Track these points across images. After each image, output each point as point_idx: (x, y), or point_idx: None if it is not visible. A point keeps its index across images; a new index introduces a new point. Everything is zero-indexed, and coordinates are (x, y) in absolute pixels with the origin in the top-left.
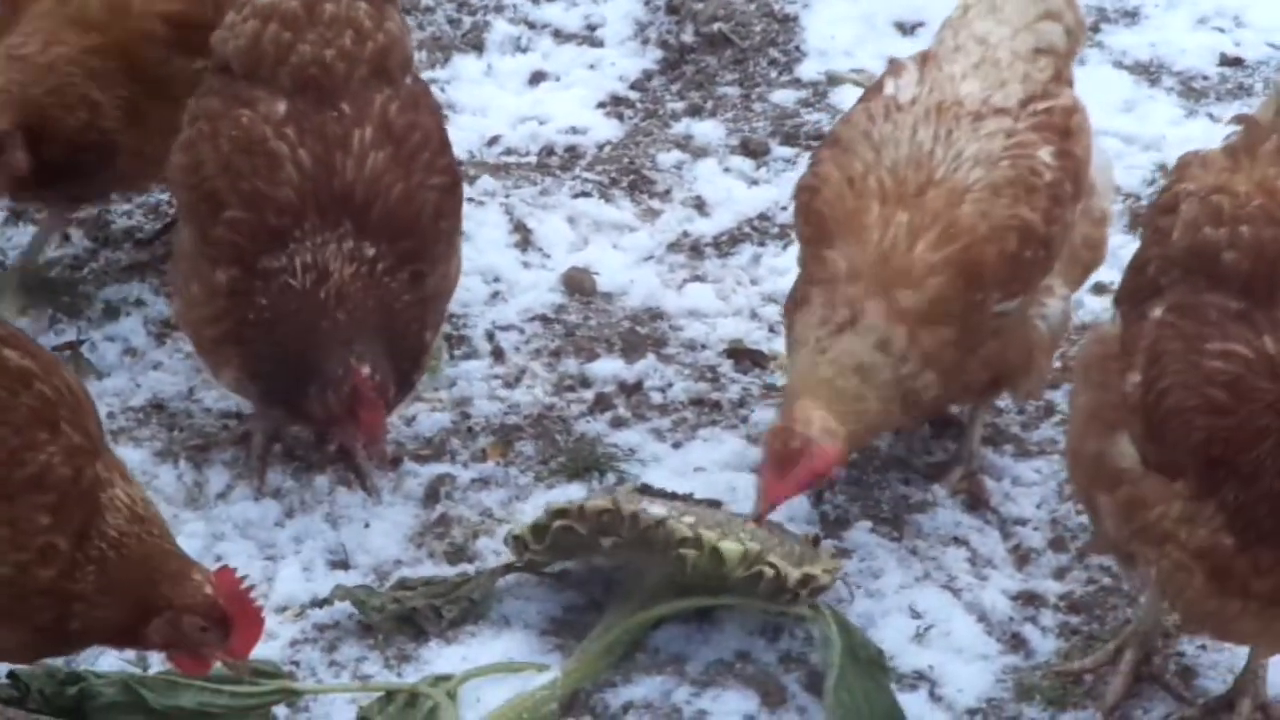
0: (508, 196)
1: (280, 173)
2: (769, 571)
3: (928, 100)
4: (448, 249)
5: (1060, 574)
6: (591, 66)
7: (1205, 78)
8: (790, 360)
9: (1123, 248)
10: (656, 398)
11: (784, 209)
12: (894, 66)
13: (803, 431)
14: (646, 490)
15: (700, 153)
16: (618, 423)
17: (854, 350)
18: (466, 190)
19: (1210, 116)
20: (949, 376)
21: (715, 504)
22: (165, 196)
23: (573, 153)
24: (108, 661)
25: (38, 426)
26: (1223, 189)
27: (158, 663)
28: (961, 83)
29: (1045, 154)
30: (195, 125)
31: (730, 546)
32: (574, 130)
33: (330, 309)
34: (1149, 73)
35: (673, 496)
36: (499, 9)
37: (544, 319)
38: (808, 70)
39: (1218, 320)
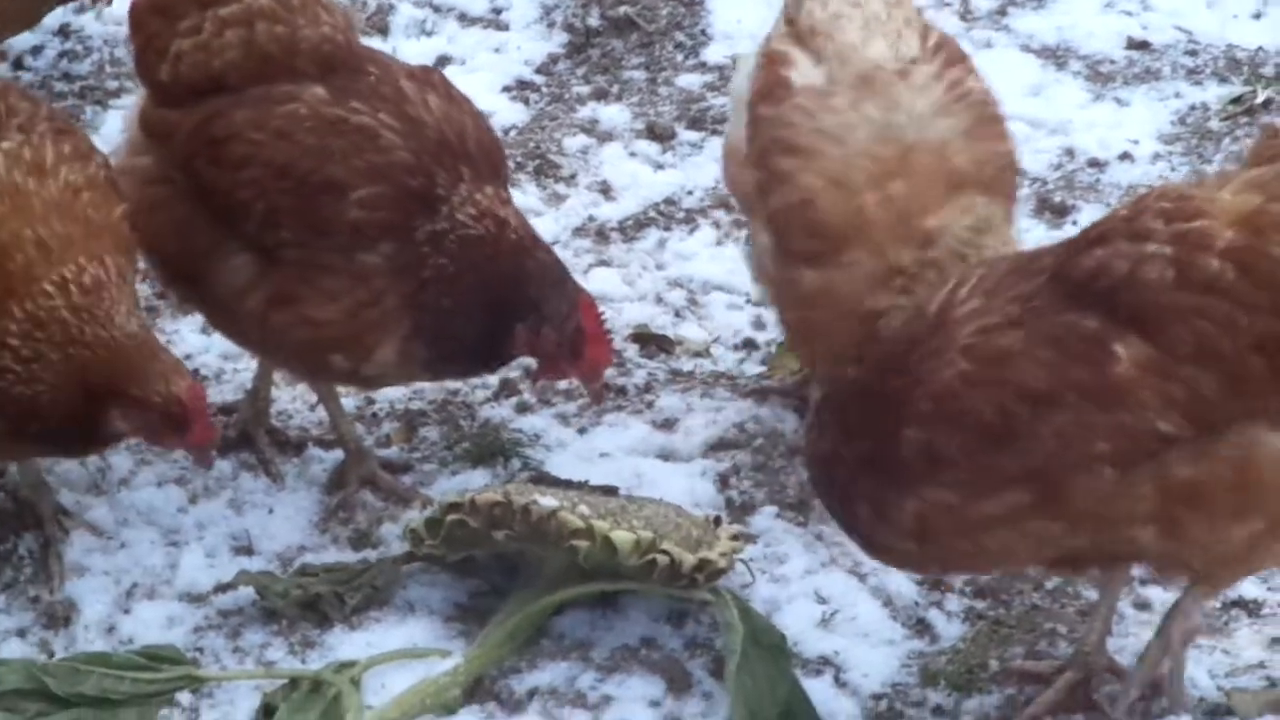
0: None
1: (381, 140)
2: (663, 559)
3: (843, 75)
4: None
5: None
6: (497, 50)
7: (1112, 61)
8: None
9: (1028, 232)
10: (562, 383)
11: (690, 193)
12: (772, 58)
13: None
14: (541, 479)
15: (606, 137)
16: (522, 408)
17: None
18: None
19: (1117, 100)
20: None
21: (611, 490)
22: None
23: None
24: (10, 648)
25: None
26: None
27: (61, 649)
28: (866, 48)
29: (974, 83)
30: (240, 140)
31: (623, 536)
32: None
33: (530, 248)
34: (1056, 56)
35: (568, 485)
36: None
37: None
38: (714, 54)
39: None
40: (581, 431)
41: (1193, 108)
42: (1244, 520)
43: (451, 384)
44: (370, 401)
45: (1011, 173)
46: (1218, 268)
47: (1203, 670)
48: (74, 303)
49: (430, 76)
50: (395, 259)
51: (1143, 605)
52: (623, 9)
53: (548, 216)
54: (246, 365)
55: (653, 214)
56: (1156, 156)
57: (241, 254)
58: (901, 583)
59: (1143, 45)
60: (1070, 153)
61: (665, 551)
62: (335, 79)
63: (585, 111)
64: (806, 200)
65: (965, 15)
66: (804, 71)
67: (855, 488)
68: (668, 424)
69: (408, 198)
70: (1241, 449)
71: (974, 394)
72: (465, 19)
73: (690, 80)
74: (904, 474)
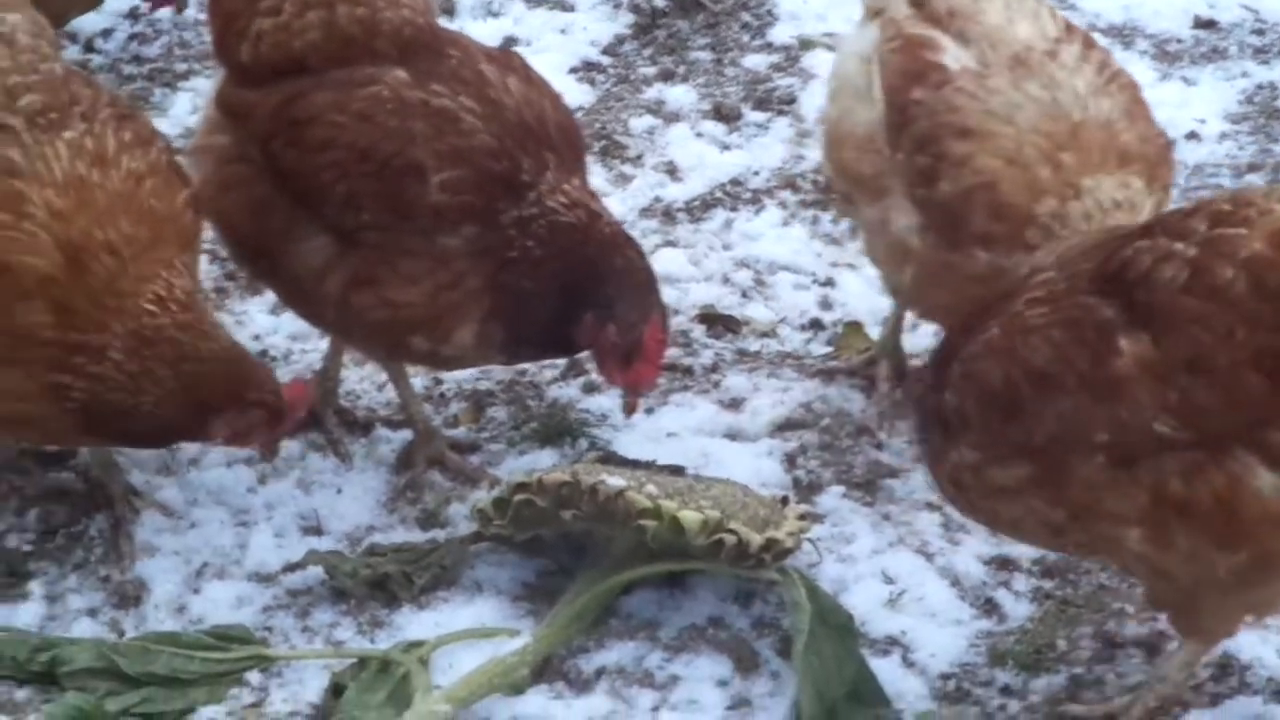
0: None
1: (463, 123)
2: (730, 539)
3: (996, 57)
4: None
5: None
6: (563, 31)
7: (1179, 40)
8: None
9: None
10: None
11: (756, 174)
12: (913, 42)
13: None
14: (609, 459)
15: (672, 118)
16: (589, 388)
17: None
18: None
19: (1184, 79)
20: None
21: (679, 470)
22: None
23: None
24: (81, 628)
25: None
26: None
27: (131, 629)
28: (1013, 28)
29: (1118, 65)
30: (322, 122)
31: (690, 515)
32: None
33: (623, 245)
34: (1123, 35)
35: (635, 465)
36: None
37: None
38: (780, 34)
39: None
40: (649, 411)
41: (1260, 87)
42: (1227, 549)
43: (520, 364)
44: (438, 382)
45: (1170, 157)
46: (1230, 277)
47: (1270, 650)
48: (179, 320)
49: (511, 60)
50: (477, 241)
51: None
52: None
53: (614, 197)
54: (315, 346)
55: (719, 194)
56: (1223, 135)
57: (320, 235)
58: (969, 562)
59: (1209, 24)
60: None
61: (732, 531)
62: (416, 62)
63: (651, 92)
64: (988, 183)
65: None
66: (954, 55)
67: (925, 430)
68: (734, 404)
69: (490, 181)
70: (1231, 476)
71: (990, 362)
72: (531, 0)
73: (756, 61)
74: (946, 427)
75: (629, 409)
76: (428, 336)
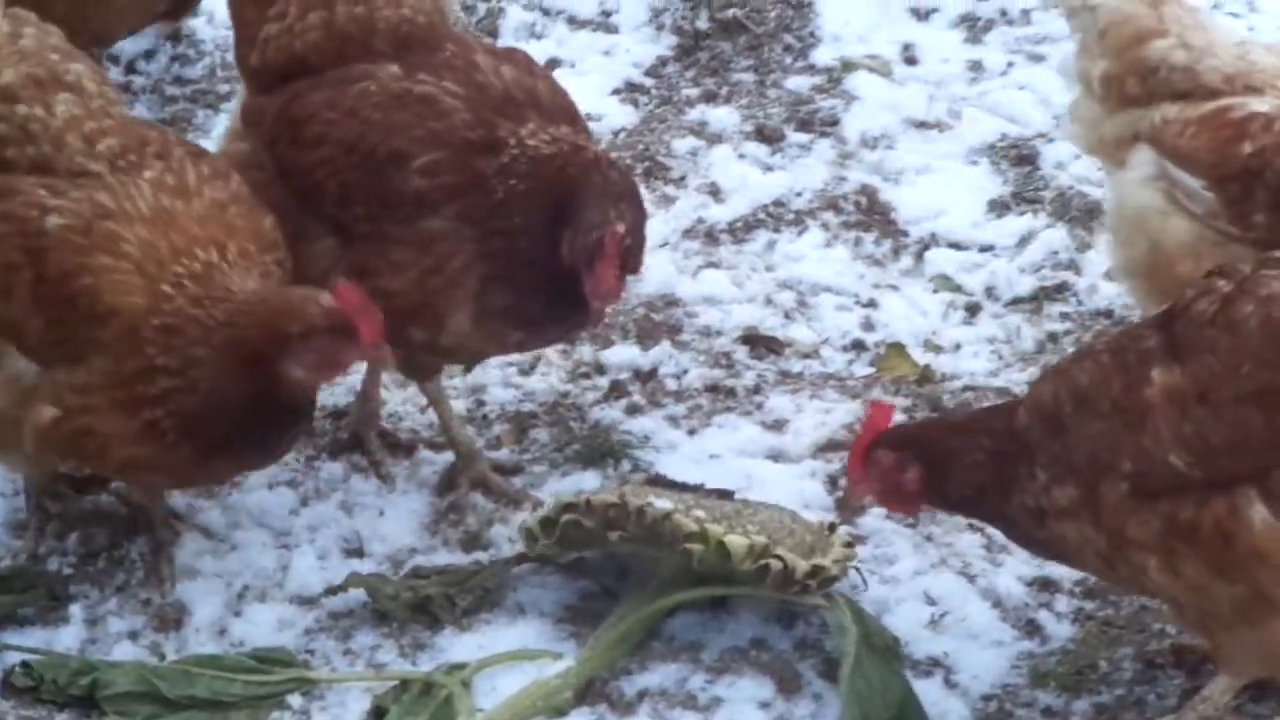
0: None
1: (440, 105)
2: (776, 565)
3: None
4: None
5: None
6: (606, 53)
7: None
8: None
9: None
10: (671, 384)
11: (798, 195)
12: (1215, 114)
13: None
14: (656, 481)
15: (715, 139)
16: (633, 410)
17: None
18: None
19: None
20: None
21: (727, 494)
22: None
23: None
24: (121, 651)
25: None
26: None
27: (172, 652)
28: None
29: None
30: (316, 120)
31: (736, 540)
32: (589, 117)
33: (603, 166)
34: None
35: (683, 488)
36: None
37: None
38: (822, 56)
39: None
40: (691, 433)
41: None
42: (1228, 580)
43: (561, 386)
44: (480, 404)
45: None
46: (1247, 313)
47: None
48: (191, 294)
49: (513, 54)
50: (461, 216)
51: None
52: (731, 11)
53: (657, 218)
54: (356, 368)
55: (762, 216)
56: None
57: (327, 238)
58: (1011, 583)
59: None
60: None
61: (779, 557)
62: (410, 56)
63: (694, 114)
64: None
65: None
66: (1261, 102)
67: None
68: (777, 425)
69: (468, 151)
70: (1229, 506)
71: (1048, 381)
72: (574, 22)
73: (799, 82)
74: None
75: (593, 319)
76: (423, 326)
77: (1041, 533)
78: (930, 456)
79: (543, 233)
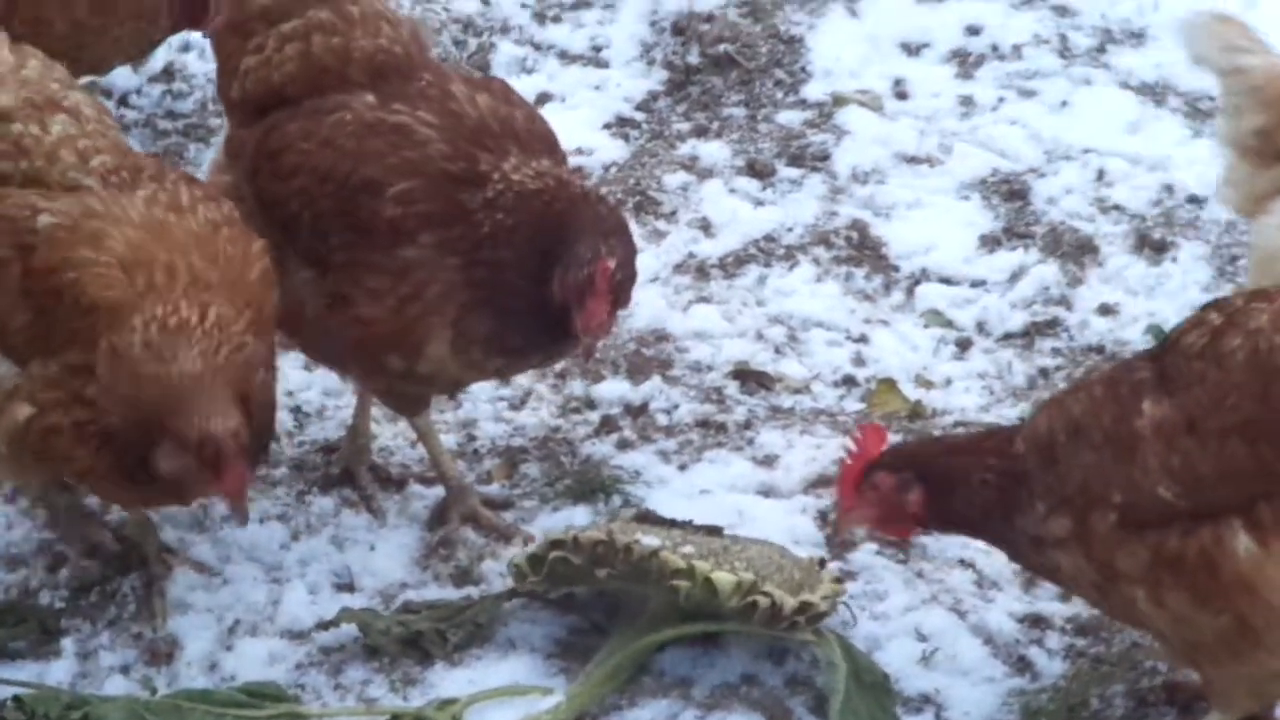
0: None
1: (416, 135)
2: (764, 601)
3: None
4: None
5: (1066, 596)
6: (597, 87)
7: (1211, 98)
8: None
9: (1127, 269)
10: (662, 419)
11: (790, 230)
12: None
13: None
14: (646, 517)
15: (706, 174)
16: (623, 445)
17: None
18: None
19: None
20: None
21: (716, 530)
22: None
23: (579, 174)
24: (113, 685)
25: None
26: None
27: (164, 686)
28: None
29: None
30: (292, 150)
31: (723, 577)
32: (580, 151)
33: (592, 201)
34: (1155, 93)
35: (672, 524)
36: (505, 30)
37: None
38: (813, 91)
39: None
40: (682, 468)
41: None
42: (1213, 612)
43: (552, 420)
44: (471, 438)
45: None
46: (1235, 345)
47: None
48: (145, 338)
49: (490, 84)
50: (440, 246)
51: None
52: (722, 46)
53: (648, 253)
54: (348, 403)
55: (753, 250)
56: None
57: (304, 269)
58: (1002, 620)
59: None
60: (1170, 189)
61: (766, 593)
62: (385, 86)
63: (685, 148)
64: None
65: (1064, 52)
66: None
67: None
68: (768, 460)
69: (447, 183)
70: (1214, 536)
71: (1045, 411)
72: (566, 57)
73: (790, 117)
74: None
75: (585, 354)
76: (400, 354)
77: (1039, 559)
78: (933, 477)
79: (530, 266)
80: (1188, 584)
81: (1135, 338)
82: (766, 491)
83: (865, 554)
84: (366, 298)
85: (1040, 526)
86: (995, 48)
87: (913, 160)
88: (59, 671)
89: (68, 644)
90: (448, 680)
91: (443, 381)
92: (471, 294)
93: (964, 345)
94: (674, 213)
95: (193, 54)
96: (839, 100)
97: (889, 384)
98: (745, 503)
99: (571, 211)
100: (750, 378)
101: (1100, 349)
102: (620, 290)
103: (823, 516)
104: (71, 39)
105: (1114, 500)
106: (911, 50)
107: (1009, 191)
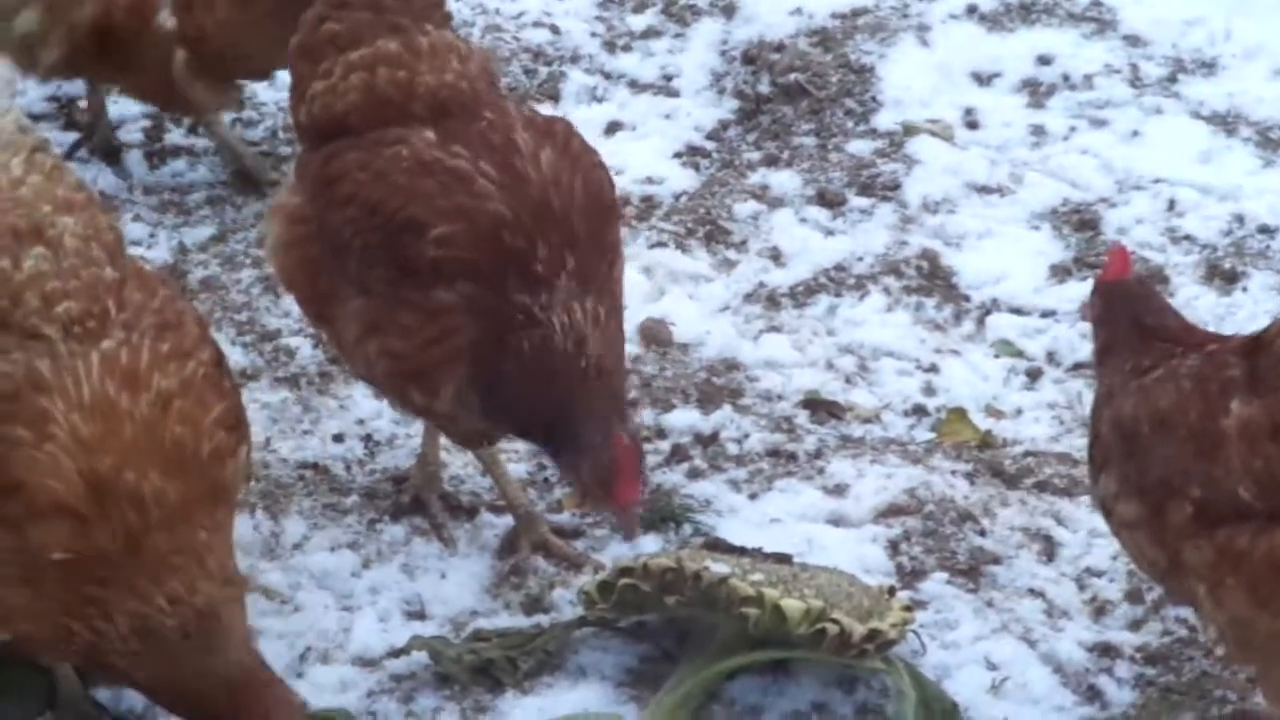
0: None
1: (475, 185)
2: (833, 629)
3: None
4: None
5: (1136, 625)
6: (667, 116)
7: None
8: None
9: (1197, 299)
10: (733, 449)
11: (860, 259)
12: None
13: None
14: (715, 545)
15: (776, 203)
16: (694, 474)
17: None
18: None
19: None
20: None
21: (785, 558)
22: None
23: (649, 203)
24: None
25: None
26: None
27: None
28: None
29: None
30: (348, 179)
31: (793, 604)
32: (650, 180)
33: (589, 379)
34: (1226, 123)
35: (741, 551)
36: (575, 59)
37: None
38: (884, 120)
39: None
40: (752, 497)
41: None
42: (1272, 613)
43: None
44: (541, 467)
45: None
46: None
47: None
48: (187, 627)
49: (553, 126)
50: (475, 300)
51: None
52: (793, 76)
53: (718, 282)
54: (419, 430)
55: (823, 280)
56: None
57: (356, 299)
58: (1072, 649)
59: None
60: (1240, 219)
61: (835, 621)
62: (447, 123)
63: (756, 177)
64: None
65: (1135, 82)
66: None
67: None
68: (838, 490)
69: (500, 250)
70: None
71: (1129, 398)
72: (636, 85)
73: (860, 146)
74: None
75: (627, 534)
76: (421, 390)
77: (1109, 521)
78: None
79: (532, 397)
80: (1249, 584)
81: None
82: (836, 521)
83: (935, 583)
84: (398, 331)
85: (1110, 501)
86: (1066, 77)
87: (983, 190)
88: (129, 698)
89: None
90: (518, 708)
91: (463, 426)
92: (475, 370)
93: (1034, 375)
94: (744, 242)
95: (263, 82)
96: (909, 130)
97: (959, 413)
98: (815, 532)
99: (569, 393)
100: (820, 407)
101: None
102: (641, 456)
103: (893, 546)
104: (237, 49)
105: (1192, 494)
106: (982, 80)
107: (1080, 221)
